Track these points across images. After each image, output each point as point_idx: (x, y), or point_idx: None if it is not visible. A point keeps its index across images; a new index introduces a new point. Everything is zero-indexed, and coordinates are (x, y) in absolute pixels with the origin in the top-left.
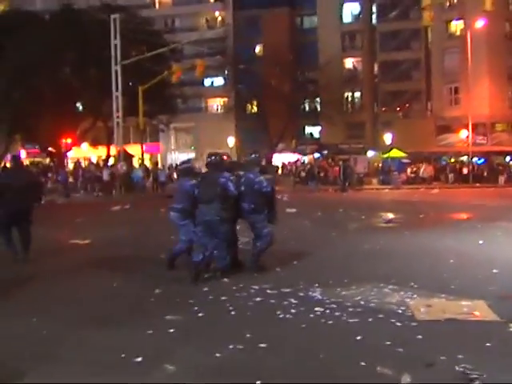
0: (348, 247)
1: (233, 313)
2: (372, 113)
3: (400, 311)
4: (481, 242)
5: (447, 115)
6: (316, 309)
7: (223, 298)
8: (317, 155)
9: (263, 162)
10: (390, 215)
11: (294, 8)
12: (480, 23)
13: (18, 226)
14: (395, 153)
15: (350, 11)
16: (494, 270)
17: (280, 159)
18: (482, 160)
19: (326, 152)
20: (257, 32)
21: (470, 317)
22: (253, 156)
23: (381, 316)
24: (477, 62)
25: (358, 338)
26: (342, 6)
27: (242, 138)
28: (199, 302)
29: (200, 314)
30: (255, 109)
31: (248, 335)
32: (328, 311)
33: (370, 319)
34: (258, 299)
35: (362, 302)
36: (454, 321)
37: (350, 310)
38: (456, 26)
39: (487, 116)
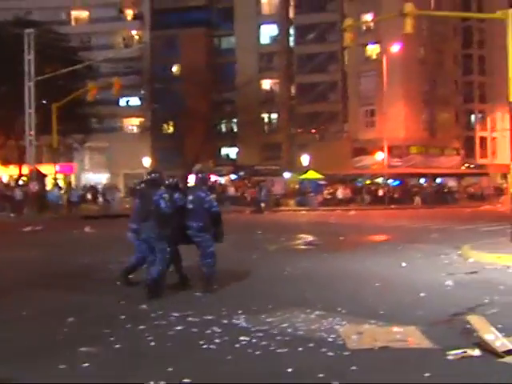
0: (269, 271)
1: (152, 343)
2: (288, 134)
3: (330, 339)
4: (403, 264)
5: (363, 137)
6: (241, 338)
7: (142, 326)
8: (233, 176)
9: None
10: (309, 237)
11: (212, 28)
12: (396, 47)
13: None
14: (311, 174)
15: (267, 33)
16: (421, 294)
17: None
18: (397, 182)
19: (242, 173)
20: (174, 52)
21: (403, 344)
22: (200, 176)
23: (311, 345)
24: (392, 86)
25: (289, 370)
26: (260, 27)
27: (157, 158)
28: (116, 331)
29: (117, 346)
30: (172, 129)
31: (170, 369)
32: (254, 340)
33: (300, 348)
34: (179, 328)
35: (290, 330)
36: (387, 349)
37: (278, 338)
38: (372, 49)
39: (402, 139)
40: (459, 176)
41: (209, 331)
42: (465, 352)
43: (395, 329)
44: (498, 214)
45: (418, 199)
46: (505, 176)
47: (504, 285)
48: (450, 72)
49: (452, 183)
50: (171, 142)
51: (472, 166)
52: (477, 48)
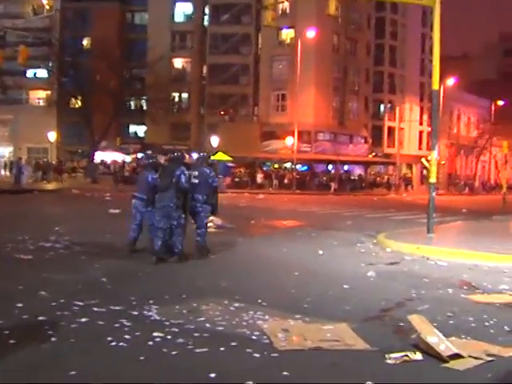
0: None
1: (53, 339)
2: (198, 115)
3: (255, 337)
4: (320, 252)
5: (273, 121)
6: (155, 334)
7: (41, 317)
8: (140, 155)
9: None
10: (219, 220)
11: (125, 3)
12: (311, 33)
13: None
14: (220, 156)
15: (182, 11)
16: (345, 286)
17: (103, 157)
18: (305, 167)
19: (149, 152)
20: (85, 25)
21: (336, 345)
22: (203, 154)
23: (234, 344)
24: (305, 71)
25: (212, 375)
26: (175, 4)
27: (64, 133)
28: (10, 323)
29: (11, 341)
30: (80, 104)
31: (73, 372)
32: (169, 337)
33: (222, 348)
34: (84, 320)
35: (208, 325)
36: (319, 350)
37: (196, 335)
38: (286, 34)
39: (312, 124)
40: (366, 164)
41: (117, 325)
42: (406, 356)
43: (325, 326)
44: (405, 203)
45: (333, 185)
46: (410, 166)
47: (428, 277)
48: (361, 61)
49: (359, 171)
50: (78, 118)
51: (379, 154)
52: (389, 39)
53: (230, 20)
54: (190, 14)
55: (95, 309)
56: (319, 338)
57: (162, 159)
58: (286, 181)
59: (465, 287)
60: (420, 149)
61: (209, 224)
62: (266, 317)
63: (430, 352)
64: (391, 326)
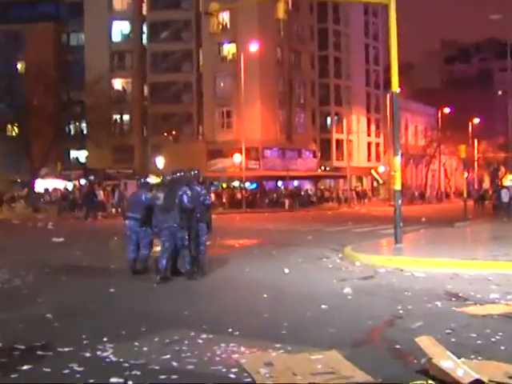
0: (135, 283)
1: None
2: (141, 136)
3: (233, 375)
4: (286, 270)
5: (219, 139)
6: (112, 380)
7: None
8: (83, 181)
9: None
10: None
11: (61, 24)
12: (253, 46)
13: None
14: None
15: (119, 30)
16: (323, 306)
17: (43, 185)
18: (254, 185)
19: (92, 177)
20: (19, 48)
21: (332, 379)
22: (195, 172)
23: None
24: (249, 87)
25: None
26: (112, 23)
27: (0, 162)
28: None
29: None
30: (16, 131)
31: None
32: (131, 383)
33: None
34: (26, 368)
35: (176, 364)
36: None
37: (162, 377)
38: (228, 49)
39: (259, 141)
40: (316, 179)
41: (67, 371)
42: None
43: (313, 356)
44: (361, 216)
45: (287, 202)
46: (360, 178)
47: (409, 290)
48: (306, 73)
49: (308, 186)
50: (16, 145)
51: (327, 169)
52: (333, 50)
53: (169, 37)
54: (128, 32)
55: (40, 352)
56: (310, 370)
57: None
58: (236, 198)
59: (453, 299)
60: (369, 160)
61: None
62: (242, 349)
63: (445, 380)
64: (387, 349)
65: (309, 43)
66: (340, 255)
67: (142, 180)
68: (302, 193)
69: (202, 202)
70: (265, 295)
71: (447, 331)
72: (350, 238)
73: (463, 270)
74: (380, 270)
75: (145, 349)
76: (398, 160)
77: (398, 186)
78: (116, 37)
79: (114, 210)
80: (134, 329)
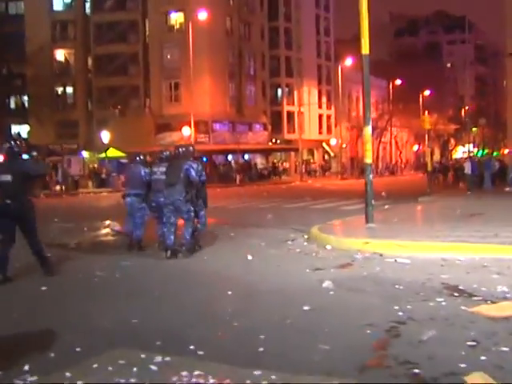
0: (70, 278)
1: None
2: (86, 110)
3: None
4: (249, 257)
5: (167, 113)
6: None
7: None
8: (25, 156)
9: None
10: (118, 225)
11: None
12: (202, 15)
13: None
14: (113, 152)
15: None
16: (304, 308)
17: None
18: (204, 159)
19: (35, 153)
20: None
21: None
22: (189, 148)
23: None
24: (198, 58)
25: None
26: None
27: None
28: None
29: None
30: None
31: None
32: None
33: None
34: None
35: None
36: None
37: None
38: (176, 18)
39: (208, 114)
40: (267, 152)
41: None
42: None
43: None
44: (318, 190)
45: (238, 177)
46: (312, 152)
47: (400, 283)
48: (256, 45)
49: (260, 159)
50: None
51: (279, 141)
52: (283, 21)
53: (114, 7)
54: (70, 1)
55: None
56: None
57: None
58: None
59: (455, 294)
60: (320, 133)
61: (105, 230)
62: (211, 381)
63: None
64: (405, 376)
65: (258, 14)
66: (306, 237)
67: (138, 156)
68: (258, 167)
69: (198, 177)
70: (229, 292)
71: (469, 343)
72: (313, 216)
73: (451, 255)
74: (357, 256)
75: (88, 378)
76: (368, 130)
77: (368, 160)
78: (57, 5)
79: (58, 187)
80: (64, 350)
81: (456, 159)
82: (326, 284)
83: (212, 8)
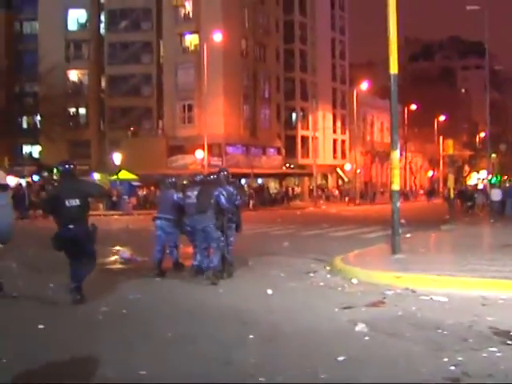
0: (71, 312)
1: None
2: (98, 131)
3: None
4: (269, 291)
5: (180, 135)
6: None
7: None
8: (36, 177)
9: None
10: (127, 251)
11: (13, 11)
12: (217, 36)
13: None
14: (124, 174)
15: (75, 18)
16: (339, 358)
17: None
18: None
19: (46, 174)
20: None
21: None
22: (221, 174)
23: None
24: (212, 79)
25: None
26: (67, 11)
27: None
28: None
29: None
30: None
31: None
32: None
33: None
34: None
35: None
36: None
37: None
38: (190, 40)
39: (222, 136)
40: (281, 176)
41: None
42: None
43: None
44: (334, 216)
45: (251, 201)
46: (326, 176)
47: (441, 326)
48: (271, 67)
49: (273, 184)
50: None
51: (292, 166)
52: (299, 43)
53: (128, 27)
54: (85, 21)
55: None
56: None
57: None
58: None
59: (508, 342)
60: (335, 158)
61: (113, 257)
62: None
63: None
64: None
65: (274, 36)
66: (328, 268)
67: (169, 180)
68: (271, 191)
69: (233, 202)
70: (251, 336)
71: None
72: (332, 244)
73: (492, 293)
74: (387, 292)
75: None
76: (396, 155)
77: (396, 186)
78: (72, 25)
79: None
80: None
81: (472, 185)
82: (360, 327)
83: (227, 29)
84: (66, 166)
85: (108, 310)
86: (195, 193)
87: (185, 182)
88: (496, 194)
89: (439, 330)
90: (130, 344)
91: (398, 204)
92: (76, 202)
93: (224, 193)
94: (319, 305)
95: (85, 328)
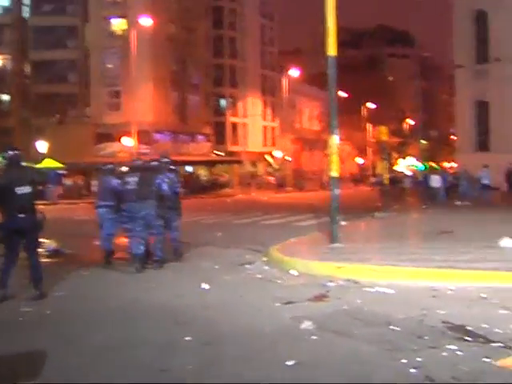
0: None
1: None
2: (22, 118)
3: None
4: (205, 286)
5: (107, 122)
6: None
7: None
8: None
9: None
10: (53, 243)
11: None
12: (145, 20)
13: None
14: (49, 163)
15: None
16: (288, 363)
17: None
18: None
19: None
20: None
21: None
22: (163, 160)
23: None
24: (140, 65)
25: None
26: None
27: None
28: None
29: None
30: None
31: None
32: None
33: None
34: None
35: None
36: None
37: None
38: (117, 24)
39: (150, 123)
40: (210, 164)
41: None
42: None
43: None
44: (266, 204)
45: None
46: (255, 164)
47: (393, 321)
48: (200, 53)
49: (203, 171)
50: None
51: (222, 153)
52: (228, 29)
53: (53, 11)
54: (7, 5)
55: None
56: None
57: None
58: None
59: (467, 338)
60: (265, 145)
61: (39, 249)
62: None
63: None
64: None
65: (203, 21)
66: (265, 259)
67: (107, 166)
68: (201, 178)
69: (174, 189)
70: (187, 338)
71: None
72: (266, 232)
73: (440, 283)
74: (329, 284)
75: None
76: (335, 140)
77: (335, 172)
78: None
79: None
80: None
81: (400, 172)
82: (305, 325)
83: (154, 14)
84: (13, 153)
85: (30, 310)
86: (135, 179)
87: (123, 169)
88: (435, 181)
89: (390, 327)
90: (54, 351)
91: (338, 191)
92: (27, 189)
93: (166, 180)
94: (258, 300)
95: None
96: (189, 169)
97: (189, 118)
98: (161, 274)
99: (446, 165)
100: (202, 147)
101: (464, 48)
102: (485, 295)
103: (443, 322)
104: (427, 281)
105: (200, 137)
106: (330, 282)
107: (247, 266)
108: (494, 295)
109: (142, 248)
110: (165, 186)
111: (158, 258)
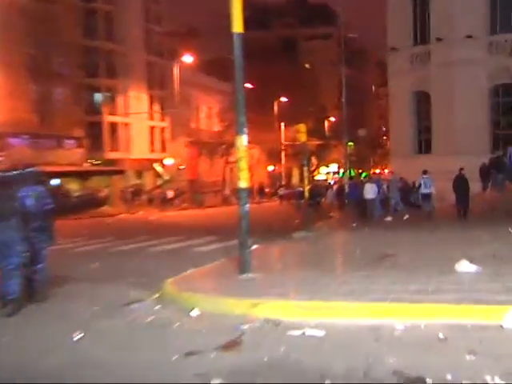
0: None
1: None
2: None
3: None
4: (78, 335)
5: None
6: None
7: None
8: None
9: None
10: None
11: None
12: None
13: None
14: None
15: None
16: None
17: None
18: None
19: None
20: None
21: None
22: (28, 170)
23: None
24: None
25: None
26: None
27: None
28: None
29: None
30: None
31: None
32: None
33: None
34: None
35: None
36: None
37: None
38: None
39: (2, 124)
40: (84, 175)
41: None
42: None
43: None
44: (154, 225)
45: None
46: (141, 174)
47: (331, 377)
48: (66, 32)
49: (75, 185)
50: None
51: (99, 162)
52: (102, 3)
53: None
54: None
55: None
56: None
57: None
58: None
59: None
60: (153, 151)
61: None
62: None
63: None
64: None
65: None
66: (156, 296)
67: None
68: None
69: (43, 206)
70: None
71: None
72: (158, 262)
73: (383, 321)
74: (243, 327)
75: None
76: (243, 142)
77: (243, 183)
78: None
79: None
80: None
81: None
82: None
83: None
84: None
85: None
86: None
87: None
88: (369, 191)
89: (327, 382)
90: None
91: (247, 207)
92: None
93: (31, 194)
94: (150, 352)
95: None
96: (55, 182)
97: (53, 118)
98: (23, 323)
99: (377, 171)
100: (71, 154)
101: (399, 27)
102: (444, 336)
103: (395, 373)
104: (367, 318)
105: (69, 141)
106: (244, 323)
107: (133, 306)
108: (456, 335)
109: (16, 288)
110: (29, 201)
111: (13, 298)
